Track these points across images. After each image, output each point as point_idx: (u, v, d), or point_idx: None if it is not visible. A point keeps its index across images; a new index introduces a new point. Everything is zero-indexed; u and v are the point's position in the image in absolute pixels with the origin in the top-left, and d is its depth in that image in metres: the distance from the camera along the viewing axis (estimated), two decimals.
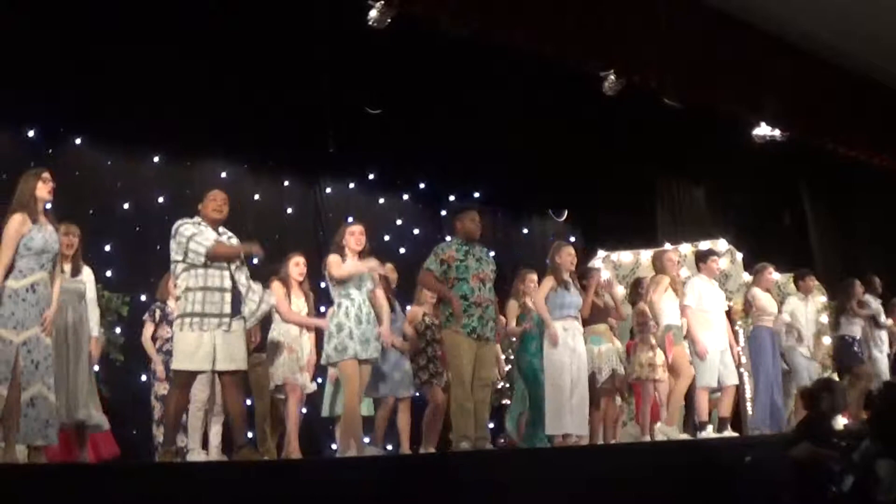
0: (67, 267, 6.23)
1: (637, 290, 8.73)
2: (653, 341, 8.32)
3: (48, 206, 5.66)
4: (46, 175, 5.60)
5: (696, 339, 8.23)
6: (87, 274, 6.50)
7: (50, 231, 5.54)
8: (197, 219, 5.97)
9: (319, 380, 7.44)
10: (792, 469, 6.70)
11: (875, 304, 10.12)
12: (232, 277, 5.79)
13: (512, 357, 8.70)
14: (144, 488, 4.62)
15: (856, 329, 9.94)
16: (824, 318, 10.51)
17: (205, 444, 7.31)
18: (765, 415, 8.93)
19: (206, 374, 6.35)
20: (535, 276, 8.23)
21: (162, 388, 7.34)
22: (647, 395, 8.40)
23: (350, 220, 6.90)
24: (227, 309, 5.73)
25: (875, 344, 10.05)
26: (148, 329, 7.54)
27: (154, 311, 7.60)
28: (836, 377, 9.55)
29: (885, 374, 10.00)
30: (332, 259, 6.62)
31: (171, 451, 5.89)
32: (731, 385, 8.49)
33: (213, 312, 5.71)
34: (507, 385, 8.77)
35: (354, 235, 6.63)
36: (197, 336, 5.69)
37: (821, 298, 10.90)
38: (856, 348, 9.88)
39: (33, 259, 5.43)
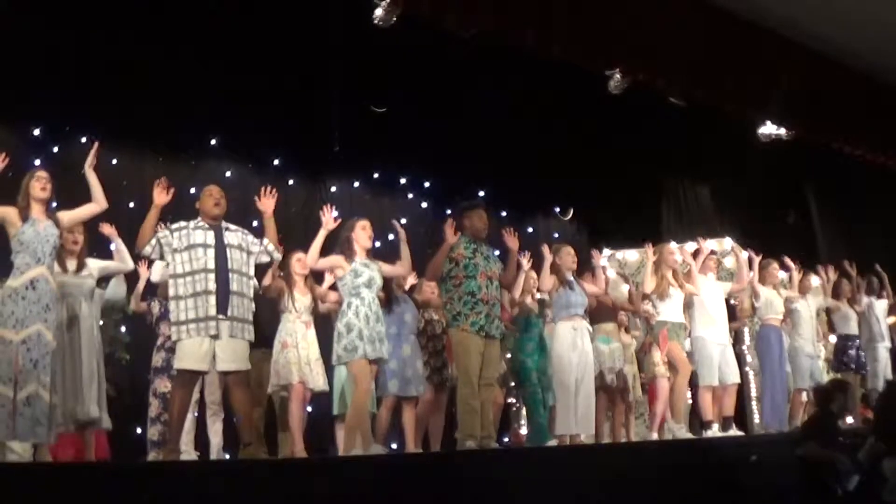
0: (73, 263, 6.25)
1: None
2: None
3: (53, 204, 5.72)
4: (40, 174, 5.70)
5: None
6: (93, 268, 6.50)
7: (45, 225, 5.58)
8: (195, 221, 5.96)
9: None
10: (798, 468, 6.71)
11: (868, 301, 10.08)
12: (218, 279, 5.78)
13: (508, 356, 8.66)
14: (147, 488, 4.62)
15: (852, 328, 9.91)
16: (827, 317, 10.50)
17: (205, 443, 7.32)
18: (777, 414, 8.89)
19: (200, 375, 6.38)
20: (535, 275, 8.21)
21: (162, 386, 7.33)
22: (660, 392, 8.39)
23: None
24: (213, 311, 5.72)
25: (877, 342, 10.02)
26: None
27: (152, 302, 7.57)
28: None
29: (888, 372, 9.98)
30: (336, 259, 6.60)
31: (176, 451, 5.89)
32: (732, 383, 8.48)
33: (201, 317, 5.71)
34: (514, 384, 8.74)
35: (366, 230, 6.60)
36: (196, 340, 5.71)
37: (825, 297, 10.88)
38: (851, 348, 9.85)
39: (28, 254, 5.49)
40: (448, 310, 6.85)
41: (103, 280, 6.87)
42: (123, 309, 8.08)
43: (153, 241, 5.85)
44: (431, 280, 7.31)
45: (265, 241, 6.11)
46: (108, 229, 6.88)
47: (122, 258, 6.80)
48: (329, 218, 6.55)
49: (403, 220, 11.01)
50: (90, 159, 5.94)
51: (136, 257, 7.05)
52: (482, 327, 6.65)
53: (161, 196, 5.90)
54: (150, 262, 7.34)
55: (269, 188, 6.32)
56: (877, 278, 10.31)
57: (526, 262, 7.56)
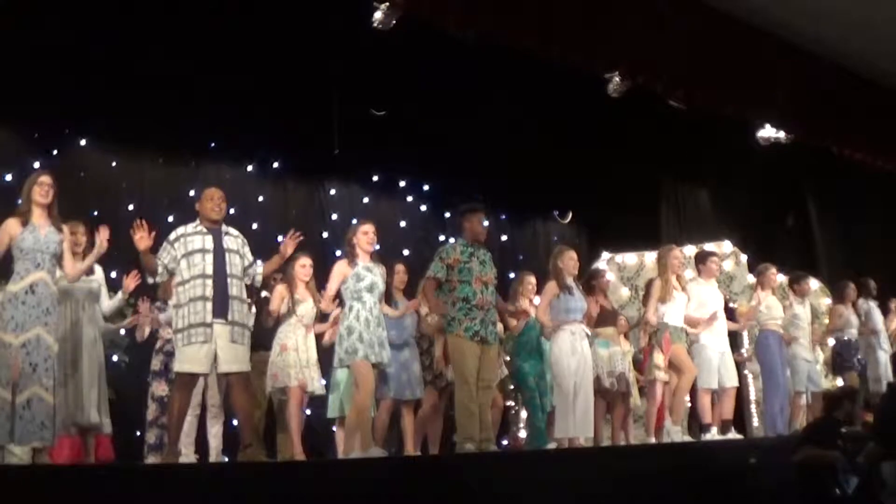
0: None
1: (649, 291, 8.69)
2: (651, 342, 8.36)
3: (52, 208, 5.71)
4: (43, 179, 5.69)
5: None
6: (99, 273, 6.50)
7: (46, 231, 5.58)
8: (193, 225, 5.96)
9: (323, 381, 7.43)
10: (797, 471, 6.71)
11: (867, 306, 10.09)
12: (216, 284, 5.78)
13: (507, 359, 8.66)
14: (148, 489, 4.62)
15: (852, 331, 9.91)
16: (827, 321, 10.50)
17: (204, 446, 7.32)
18: (779, 418, 8.89)
19: (201, 378, 6.38)
20: (533, 279, 8.17)
21: (160, 390, 7.33)
22: (653, 396, 8.39)
23: (355, 221, 6.88)
24: (209, 318, 5.73)
25: (876, 346, 10.02)
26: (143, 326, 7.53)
27: (154, 310, 7.57)
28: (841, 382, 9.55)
29: (888, 375, 9.97)
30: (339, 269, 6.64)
31: (175, 453, 5.89)
32: (731, 387, 8.48)
33: (197, 322, 5.71)
34: (512, 387, 8.74)
35: (367, 235, 6.62)
36: (196, 346, 5.71)
37: (825, 301, 10.89)
38: (851, 351, 9.85)
39: (28, 260, 5.51)
40: (443, 316, 6.84)
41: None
42: (123, 312, 8.06)
43: (160, 269, 5.88)
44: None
45: (258, 266, 6.12)
46: (131, 282, 6.86)
47: (112, 309, 6.85)
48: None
49: (403, 223, 11.19)
50: (101, 242, 5.87)
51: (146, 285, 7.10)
52: (476, 333, 6.64)
53: (143, 241, 5.82)
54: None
55: (296, 232, 6.32)
56: (874, 286, 10.30)
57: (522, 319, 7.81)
